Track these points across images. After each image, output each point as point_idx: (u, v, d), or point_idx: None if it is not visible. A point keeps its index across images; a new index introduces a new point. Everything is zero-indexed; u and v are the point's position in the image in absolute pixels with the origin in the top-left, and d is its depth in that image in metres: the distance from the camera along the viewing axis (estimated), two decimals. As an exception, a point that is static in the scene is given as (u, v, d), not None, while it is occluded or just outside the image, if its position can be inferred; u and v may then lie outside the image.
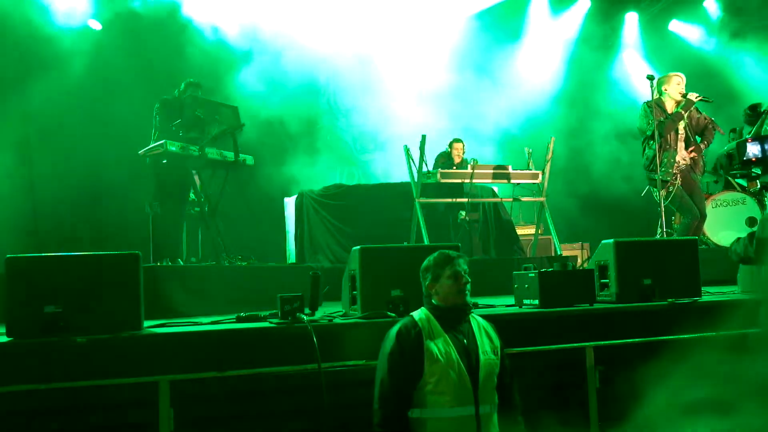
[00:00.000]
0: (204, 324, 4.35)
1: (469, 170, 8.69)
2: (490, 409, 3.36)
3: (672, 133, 6.92)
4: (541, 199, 8.71)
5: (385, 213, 9.11)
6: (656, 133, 6.79)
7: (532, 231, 9.47)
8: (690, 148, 7.05)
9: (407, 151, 8.55)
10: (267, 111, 9.90)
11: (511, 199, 9.22)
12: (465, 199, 8.61)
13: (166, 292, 5.45)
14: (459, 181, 8.48)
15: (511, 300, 5.02)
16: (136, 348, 3.72)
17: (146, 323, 4.00)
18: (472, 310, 3.54)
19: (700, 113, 7.14)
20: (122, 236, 8.57)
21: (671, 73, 7.05)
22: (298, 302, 4.04)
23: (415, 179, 8.48)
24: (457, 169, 8.96)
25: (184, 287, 5.62)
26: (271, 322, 4.09)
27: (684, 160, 6.94)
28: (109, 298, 3.79)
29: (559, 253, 8.49)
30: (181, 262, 6.66)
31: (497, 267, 7.56)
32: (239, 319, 4.36)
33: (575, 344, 4.44)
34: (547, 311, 4.52)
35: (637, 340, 4.43)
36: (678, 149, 6.90)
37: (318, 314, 4.48)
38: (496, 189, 9.43)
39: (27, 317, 3.63)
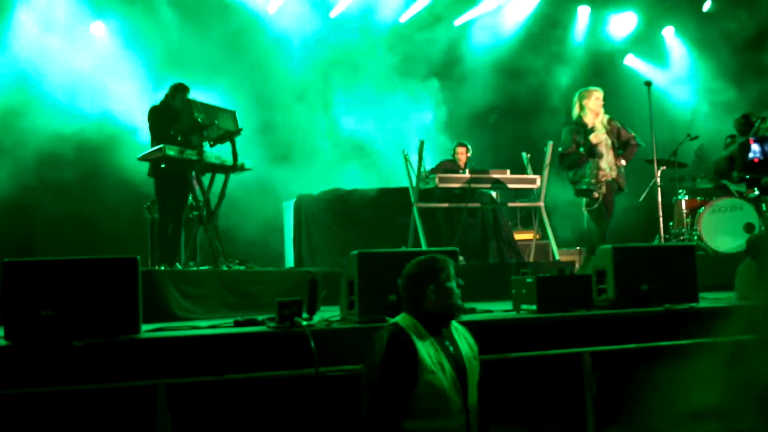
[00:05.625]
0: (202, 328, 4.35)
1: (467, 175, 8.71)
2: (476, 418, 3.25)
3: (592, 151, 6.91)
4: (539, 204, 8.73)
5: (383, 217, 9.11)
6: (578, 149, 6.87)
7: (530, 236, 9.48)
8: (618, 157, 7.03)
9: (405, 156, 8.57)
10: (264, 114, 9.91)
11: (509, 204, 9.23)
12: (463, 204, 8.61)
13: (164, 296, 5.45)
14: (457, 185, 8.49)
15: (508, 305, 5.02)
16: (134, 352, 3.71)
17: (144, 327, 3.99)
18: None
19: (621, 126, 7.12)
20: (121, 240, 8.58)
21: (591, 88, 7.04)
22: (296, 307, 4.04)
23: (414, 184, 8.49)
24: (462, 172, 8.96)
25: (182, 291, 5.63)
26: (268, 327, 4.09)
27: (611, 168, 6.93)
28: (107, 301, 3.78)
29: (556, 258, 8.50)
30: (180, 266, 6.67)
31: (495, 272, 7.56)
32: (237, 324, 4.36)
33: (572, 350, 4.44)
34: (544, 316, 4.52)
35: (634, 345, 4.43)
36: (602, 160, 6.90)
37: (316, 318, 4.48)
38: (494, 194, 9.44)
39: (25, 321, 3.63)
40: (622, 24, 12.33)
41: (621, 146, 7.00)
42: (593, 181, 6.82)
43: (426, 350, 3.19)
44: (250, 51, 10.25)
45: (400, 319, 3.34)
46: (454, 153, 9.39)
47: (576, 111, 6.94)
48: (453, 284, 3.33)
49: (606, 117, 6.95)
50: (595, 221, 7.05)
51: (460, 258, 8.48)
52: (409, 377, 3.13)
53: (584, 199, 6.96)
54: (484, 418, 3.33)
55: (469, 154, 9.38)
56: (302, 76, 10.63)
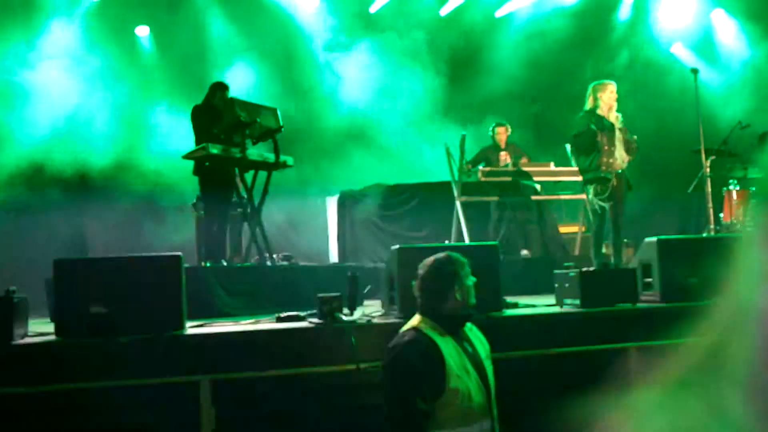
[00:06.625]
0: (245, 324, 4.41)
1: (511, 168, 8.63)
2: (497, 420, 3.12)
3: (606, 138, 6.84)
4: (584, 196, 8.58)
5: (426, 212, 9.09)
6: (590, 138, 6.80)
7: (576, 229, 9.35)
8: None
9: (447, 150, 8.52)
10: (307, 111, 10.00)
11: (553, 197, 9.12)
12: (507, 198, 8.54)
13: (208, 293, 5.53)
14: (501, 179, 8.42)
15: (552, 300, 4.96)
16: (179, 348, 3.79)
17: (188, 323, 4.06)
18: None
19: (627, 129, 7.01)
20: (167, 237, 8.75)
21: (606, 82, 6.98)
22: (337, 302, 4.06)
23: (456, 178, 8.44)
24: (503, 152, 8.87)
25: (226, 287, 5.70)
26: (310, 322, 4.13)
27: (623, 161, 6.85)
28: (153, 298, 3.87)
29: (602, 251, 8.35)
30: (224, 263, 6.76)
31: (540, 266, 7.48)
32: (279, 319, 4.41)
33: (617, 345, 4.37)
34: (588, 311, 4.46)
35: (681, 341, 4.32)
36: (615, 150, 6.82)
37: (357, 314, 4.50)
38: (538, 187, 9.32)
39: (74, 318, 3.74)
40: (670, 10, 12.05)
41: (624, 146, 6.96)
42: (609, 170, 6.78)
43: (449, 354, 3.04)
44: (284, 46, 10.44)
45: (418, 322, 3.16)
46: (494, 134, 9.23)
47: (590, 103, 6.93)
48: (470, 282, 3.20)
49: (618, 114, 6.91)
50: (599, 211, 6.98)
51: (524, 252, 8.47)
52: (437, 386, 2.97)
53: (592, 188, 6.90)
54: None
55: (508, 133, 9.20)
56: (338, 74, 10.71)
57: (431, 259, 3.26)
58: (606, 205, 6.90)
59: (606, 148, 6.77)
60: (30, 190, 8.75)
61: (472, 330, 3.30)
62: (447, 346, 3.06)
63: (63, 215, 8.92)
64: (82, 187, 9.20)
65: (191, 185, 7.46)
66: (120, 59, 9.85)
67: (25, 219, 8.74)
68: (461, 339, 3.16)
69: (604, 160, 6.76)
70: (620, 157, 6.80)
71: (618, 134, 6.85)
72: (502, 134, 9.11)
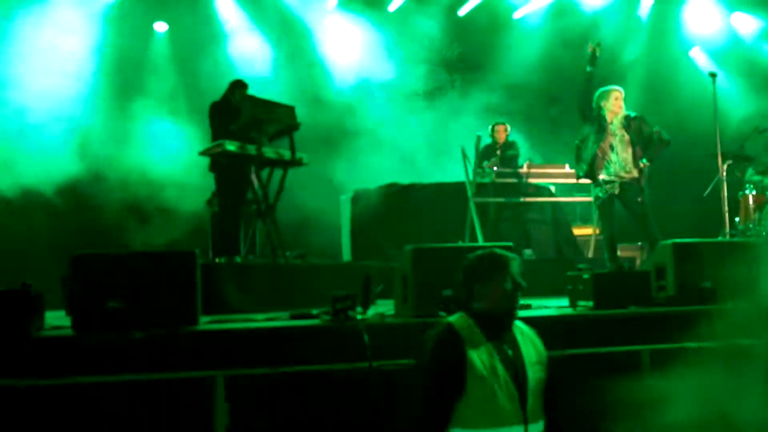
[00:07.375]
0: (258, 321, 4.44)
1: (525, 170, 8.62)
2: (539, 429, 2.98)
3: (608, 137, 6.69)
4: (599, 198, 8.55)
5: (440, 212, 9.09)
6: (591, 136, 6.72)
7: (590, 231, 9.32)
8: (642, 162, 6.72)
9: (463, 151, 8.52)
10: (323, 108, 10.04)
11: (567, 199, 9.08)
12: (516, 199, 8.54)
13: (223, 289, 5.57)
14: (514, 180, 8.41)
15: (565, 302, 4.96)
16: (193, 343, 3.81)
17: (203, 319, 4.09)
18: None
19: (644, 122, 6.76)
20: (182, 233, 8.80)
21: (611, 88, 6.78)
22: (350, 301, 4.08)
23: (470, 179, 8.44)
24: (501, 151, 8.85)
25: (240, 284, 5.74)
26: (323, 320, 4.15)
27: (626, 164, 6.63)
28: (167, 294, 3.90)
29: (616, 254, 8.32)
30: (239, 260, 6.80)
31: (553, 267, 7.45)
32: (292, 317, 4.43)
33: (630, 347, 4.36)
34: (601, 313, 4.45)
35: (694, 344, 4.31)
36: (617, 152, 6.63)
37: (370, 313, 4.51)
38: (552, 188, 9.30)
39: (90, 312, 3.78)
40: (691, 14, 11.99)
41: (644, 144, 6.71)
42: (605, 176, 6.62)
43: (478, 354, 2.91)
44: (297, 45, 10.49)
45: (456, 318, 3.06)
46: (492, 132, 9.19)
47: (595, 111, 6.79)
48: (508, 285, 3.00)
49: (622, 114, 6.71)
50: (601, 218, 6.90)
51: (528, 252, 8.44)
52: (456, 383, 2.87)
53: (596, 191, 6.79)
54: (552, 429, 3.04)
55: (507, 132, 9.15)
56: (351, 72, 10.75)
57: (472, 254, 3.13)
58: (598, 222, 6.78)
59: (600, 154, 6.64)
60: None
61: (523, 333, 3.11)
62: (476, 344, 2.94)
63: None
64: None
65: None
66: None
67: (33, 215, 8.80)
68: (502, 341, 3.00)
69: (598, 164, 6.64)
70: (623, 161, 6.59)
71: (622, 136, 6.64)
72: (501, 133, 9.10)
